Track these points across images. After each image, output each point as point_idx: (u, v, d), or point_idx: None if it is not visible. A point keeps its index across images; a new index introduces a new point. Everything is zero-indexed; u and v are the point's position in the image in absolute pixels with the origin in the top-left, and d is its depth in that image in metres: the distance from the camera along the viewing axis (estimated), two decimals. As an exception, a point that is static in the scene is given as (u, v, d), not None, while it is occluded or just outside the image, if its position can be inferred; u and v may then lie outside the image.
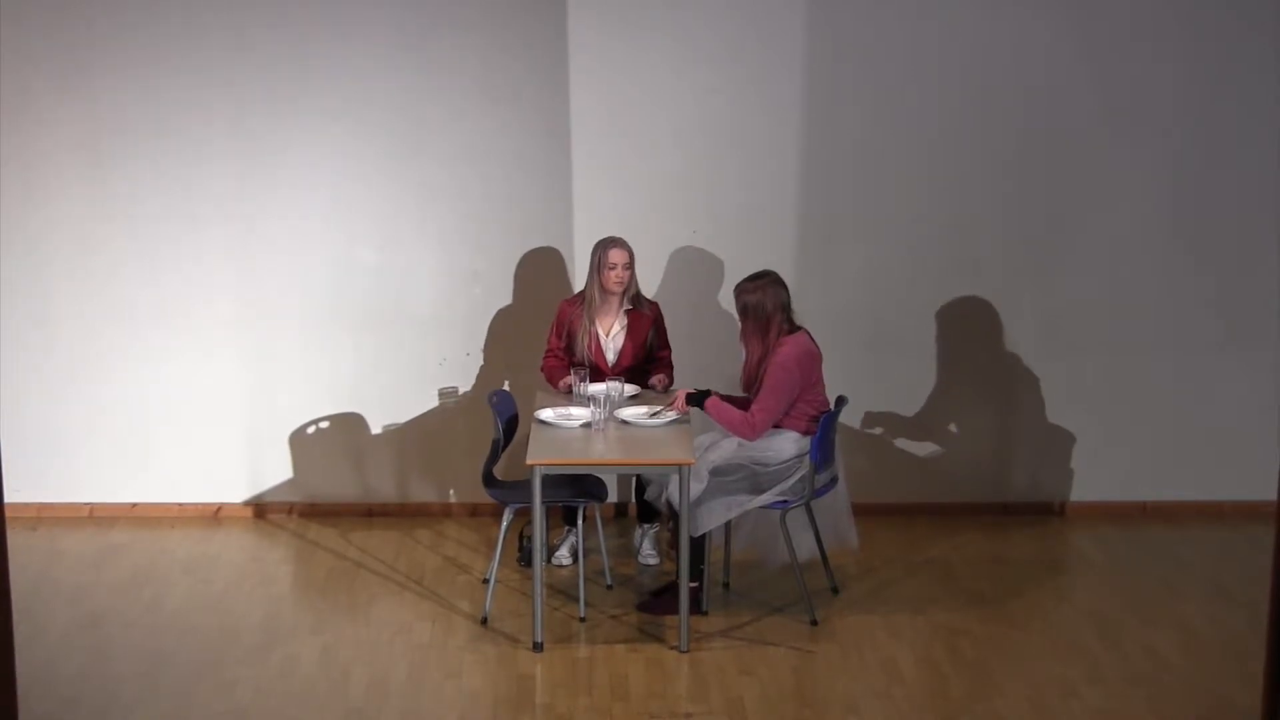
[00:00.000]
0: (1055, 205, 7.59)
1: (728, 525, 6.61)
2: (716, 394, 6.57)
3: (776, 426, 6.43)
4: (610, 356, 6.99)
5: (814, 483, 6.40)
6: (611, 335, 6.99)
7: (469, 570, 7.08)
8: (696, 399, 6.51)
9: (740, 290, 6.48)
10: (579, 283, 7.37)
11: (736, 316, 6.55)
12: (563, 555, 7.10)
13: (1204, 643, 6.32)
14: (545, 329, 7.16)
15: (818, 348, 6.49)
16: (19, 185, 7.45)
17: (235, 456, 7.71)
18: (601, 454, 6.30)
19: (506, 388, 7.49)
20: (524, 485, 6.37)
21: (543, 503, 6.13)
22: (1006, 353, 7.73)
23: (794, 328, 6.46)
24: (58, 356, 7.58)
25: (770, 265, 6.84)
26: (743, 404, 6.49)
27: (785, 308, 6.44)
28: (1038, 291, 7.67)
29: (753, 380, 6.49)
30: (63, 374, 7.60)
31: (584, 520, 6.79)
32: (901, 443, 7.78)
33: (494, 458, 6.64)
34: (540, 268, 7.61)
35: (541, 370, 7.08)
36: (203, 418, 7.67)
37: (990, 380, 7.76)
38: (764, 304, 6.41)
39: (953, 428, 7.78)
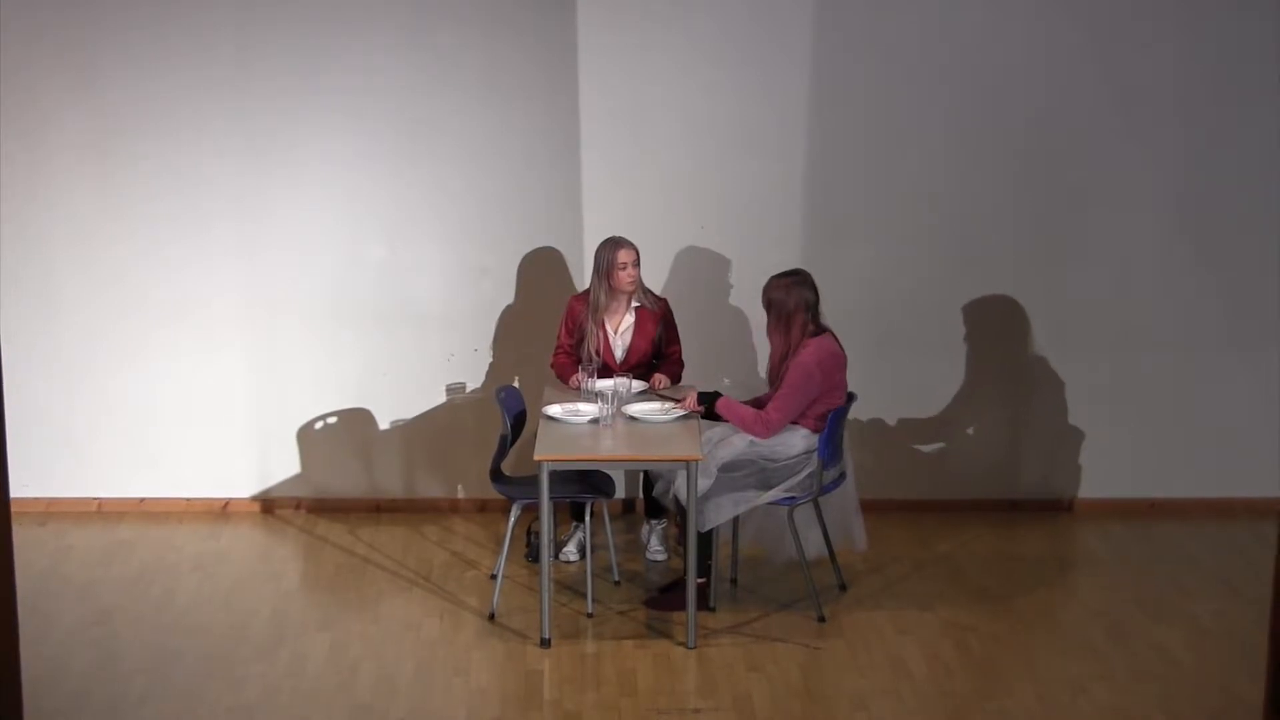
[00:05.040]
0: (1063, 205, 7.59)
1: (735, 521, 6.60)
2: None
3: (787, 423, 6.44)
4: (619, 354, 6.99)
5: (821, 479, 6.40)
6: (620, 332, 6.99)
7: (477, 566, 7.09)
8: (706, 399, 6.51)
9: (768, 286, 6.49)
10: (588, 279, 7.36)
11: (763, 310, 6.53)
12: (570, 551, 7.10)
13: (1212, 639, 6.32)
14: (554, 325, 7.16)
15: (842, 350, 6.48)
16: (26, 183, 7.45)
17: (243, 452, 7.72)
18: (609, 450, 6.31)
19: (515, 384, 7.49)
20: (532, 481, 6.36)
21: (550, 498, 6.13)
22: (1015, 351, 7.72)
23: (820, 329, 6.45)
24: (66, 352, 7.59)
25: (778, 263, 6.85)
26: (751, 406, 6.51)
27: (810, 308, 6.43)
28: (1046, 290, 7.66)
29: (775, 376, 6.49)
30: (71, 369, 7.61)
31: (592, 516, 6.79)
32: (910, 440, 7.78)
33: (502, 454, 6.64)
34: (548, 264, 7.61)
35: (552, 367, 7.07)
36: (211, 413, 7.67)
37: (999, 378, 7.75)
38: (786, 302, 6.41)
39: (961, 425, 7.78)
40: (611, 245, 6.91)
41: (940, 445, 7.79)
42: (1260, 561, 7.08)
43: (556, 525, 6.90)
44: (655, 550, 7.15)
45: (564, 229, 7.58)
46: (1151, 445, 7.78)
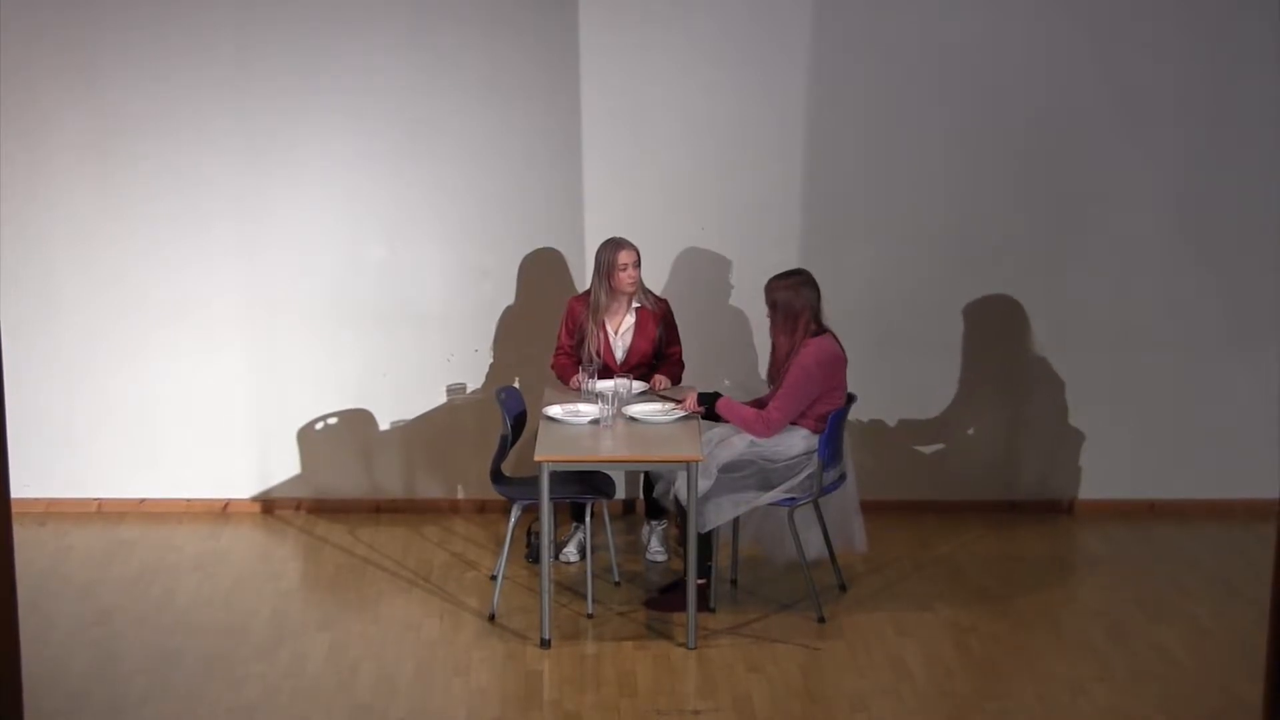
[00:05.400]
0: (1063, 205, 7.59)
1: (735, 522, 6.60)
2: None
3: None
4: (619, 354, 6.98)
5: (821, 480, 6.40)
6: (620, 333, 6.99)
7: (477, 567, 7.09)
8: (707, 399, 6.50)
9: (771, 286, 6.48)
10: (588, 280, 7.36)
11: (766, 311, 6.52)
12: (570, 552, 7.10)
13: (1212, 640, 6.32)
14: (554, 326, 7.16)
15: (843, 351, 6.47)
16: (26, 183, 7.45)
17: (243, 453, 7.72)
18: (610, 450, 6.31)
19: (515, 384, 7.48)
20: (532, 482, 6.36)
21: (551, 499, 6.12)
22: (1015, 351, 7.72)
23: (821, 329, 6.44)
24: (66, 352, 7.59)
25: (778, 264, 6.85)
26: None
27: (814, 308, 6.43)
28: (1046, 290, 7.66)
29: (776, 376, 6.48)
30: (71, 370, 7.61)
31: (592, 517, 6.79)
32: (910, 440, 7.78)
33: (502, 454, 6.64)
34: (549, 265, 7.61)
35: (552, 368, 7.07)
36: (211, 414, 7.67)
37: (999, 378, 7.75)
38: (793, 302, 6.40)
39: (961, 426, 7.77)
40: (612, 246, 6.91)
41: (940, 446, 7.79)
42: (1260, 562, 7.07)
43: (556, 526, 6.89)
44: (655, 551, 7.15)
45: (564, 229, 7.58)
46: (1151, 446, 7.78)
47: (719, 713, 5.66)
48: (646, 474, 7.11)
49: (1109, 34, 7.45)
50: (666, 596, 6.60)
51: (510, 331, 7.66)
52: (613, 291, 6.92)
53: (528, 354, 7.58)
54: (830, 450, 6.39)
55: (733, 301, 7.61)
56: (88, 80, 7.39)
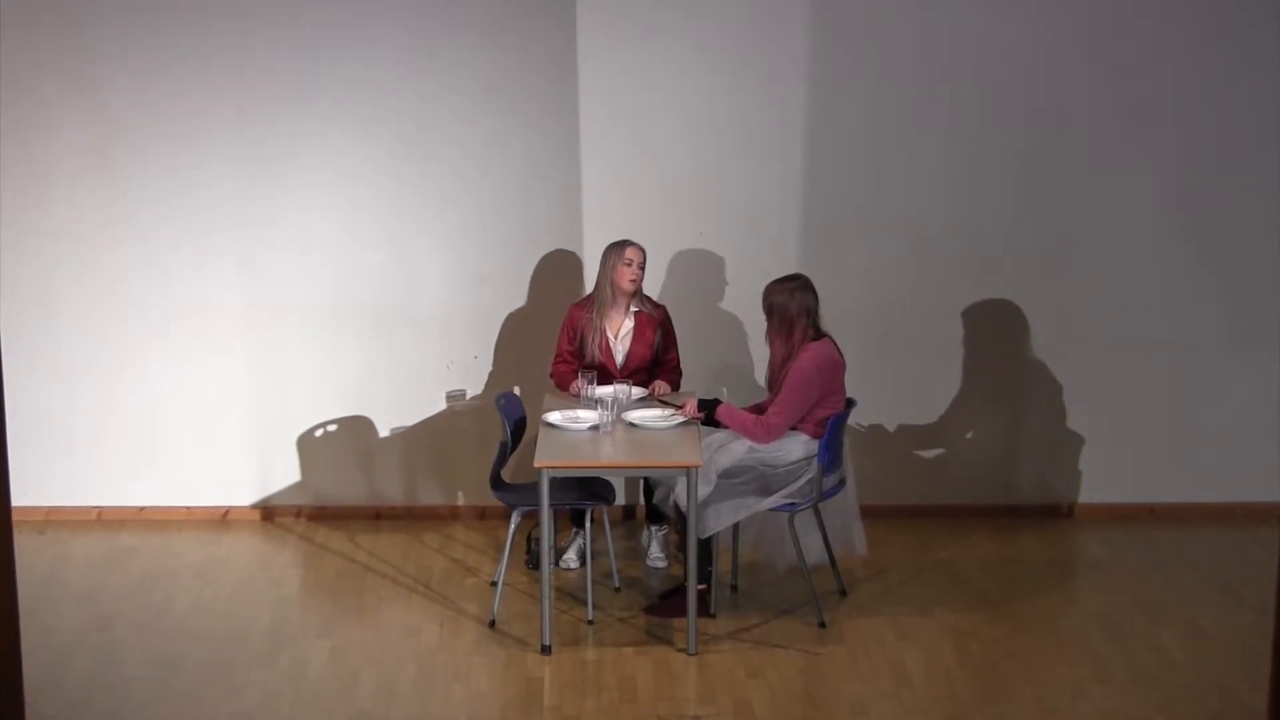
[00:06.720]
0: (1062, 206, 7.58)
1: (735, 527, 6.60)
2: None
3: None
4: (618, 359, 6.98)
5: (821, 485, 6.39)
6: (620, 338, 6.98)
7: (477, 573, 7.09)
8: (707, 405, 6.50)
9: (769, 291, 6.48)
10: (588, 285, 7.37)
11: (763, 315, 6.52)
12: (570, 558, 7.10)
13: (1212, 643, 6.32)
14: (554, 332, 7.16)
15: (841, 356, 6.47)
16: (27, 188, 7.45)
17: (243, 459, 7.72)
18: (609, 456, 6.30)
19: (515, 391, 7.48)
20: (532, 488, 6.36)
21: (551, 505, 6.12)
22: (1014, 354, 7.72)
23: (819, 334, 6.44)
24: (66, 359, 7.59)
25: (778, 265, 6.86)
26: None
27: (811, 313, 6.42)
28: (1045, 293, 7.66)
29: (775, 381, 6.48)
30: (71, 376, 7.61)
31: (592, 523, 6.79)
32: (909, 444, 7.77)
33: (501, 460, 6.64)
34: (549, 270, 7.61)
35: (551, 376, 7.06)
36: (211, 420, 7.67)
37: (998, 382, 7.74)
38: (789, 307, 6.39)
39: (960, 430, 7.77)
40: (620, 243, 6.93)
41: (940, 450, 7.79)
42: (1260, 565, 7.08)
43: (557, 532, 6.89)
44: (655, 557, 7.14)
45: (564, 235, 7.57)
46: (1151, 449, 7.77)
47: (719, 718, 5.66)
48: (646, 480, 7.11)
49: (1109, 34, 7.45)
50: (667, 602, 6.60)
51: (510, 337, 7.65)
52: (614, 288, 6.91)
53: (528, 359, 7.58)
54: (830, 455, 6.39)
55: (732, 304, 7.61)
56: (88, 85, 7.39)
